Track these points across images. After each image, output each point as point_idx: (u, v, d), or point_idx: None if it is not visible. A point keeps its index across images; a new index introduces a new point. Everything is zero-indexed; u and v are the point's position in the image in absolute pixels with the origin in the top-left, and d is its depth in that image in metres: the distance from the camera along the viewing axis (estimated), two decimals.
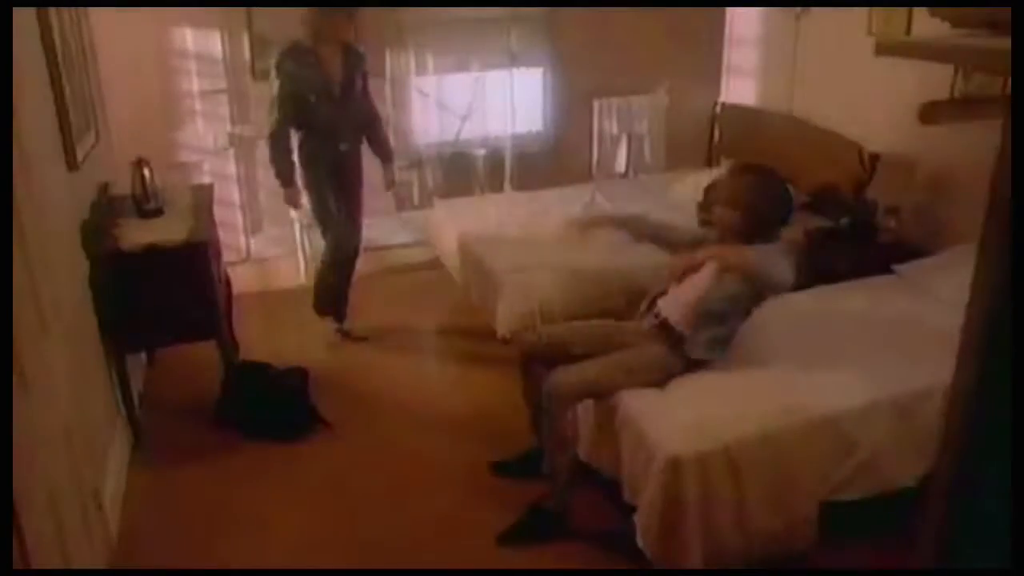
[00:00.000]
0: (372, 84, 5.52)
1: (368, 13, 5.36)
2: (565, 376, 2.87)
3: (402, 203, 5.87)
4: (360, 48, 4.26)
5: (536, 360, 3.15)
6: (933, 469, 1.21)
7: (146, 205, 3.63)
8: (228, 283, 4.19)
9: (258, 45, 5.26)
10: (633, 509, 2.73)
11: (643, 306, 3.18)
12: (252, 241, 5.66)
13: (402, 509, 3.14)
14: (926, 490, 1.20)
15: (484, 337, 4.24)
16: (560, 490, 2.92)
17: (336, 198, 4.19)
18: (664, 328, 3.02)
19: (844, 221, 4.31)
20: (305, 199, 4.24)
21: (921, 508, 1.20)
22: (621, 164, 6.06)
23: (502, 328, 4.00)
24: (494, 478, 3.25)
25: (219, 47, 5.22)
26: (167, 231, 3.43)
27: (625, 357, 2.94)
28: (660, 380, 2.91)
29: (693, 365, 2.97)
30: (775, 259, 2.84)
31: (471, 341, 4.44)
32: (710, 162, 5.96)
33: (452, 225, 4.85)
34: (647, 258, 4.23)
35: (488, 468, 3.30)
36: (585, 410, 3.02)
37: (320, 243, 5.52)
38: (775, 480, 2.67)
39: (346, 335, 4.48)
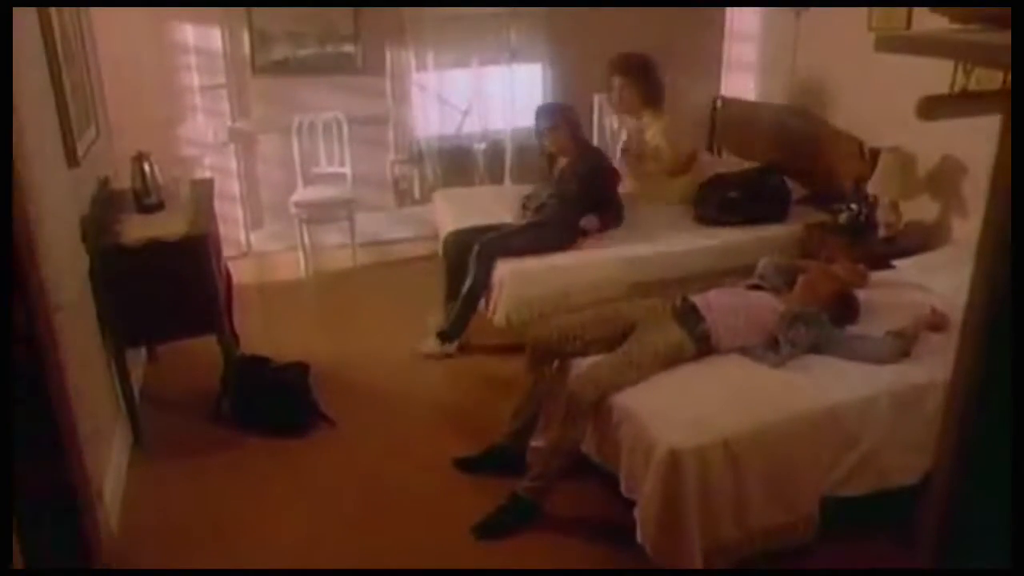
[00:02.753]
0: (373, 81, 5.58)
1: (368, 9, 5.36)
2: (581, 384, 2.89)
3: (403, 198, 5.87)
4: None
5: (548, 352, 3.17)
6: (933, 467, 1.21)
7: (146, 200, 3.63)
8: (229, 277, 4.19)
9: (258, 40, 5.26)
10: (631, 503, 2.73)
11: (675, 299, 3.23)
12: (253, 236, 5.66)
13: (405, 506, 3.14)
14: (927, 488, 1.21)
15: (487, 330, 4.25)
16: (546, 485, 2.94)
17: None
18: (692, 314, 3.06)
19: (843, 216, 4.31)
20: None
21: (922, 506, 1.20)
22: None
23: (499, 315, 4.02)
24: (498, 474, 3.23)
25: (219, 42, 5.22)
26: (167, 225, 3.43)
27: (635, 350, 2.95)
28: (671, 365, 2.93)
29: (706, 352, 2.99)
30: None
31: (474, 334, 4.43)
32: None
33: (454, 217, 4.85)
34: (646, 247, 4.28)
35: (452, 464, 3.31)
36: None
37: (319, 238, 5.55)
38: (775, 474, 2.67)
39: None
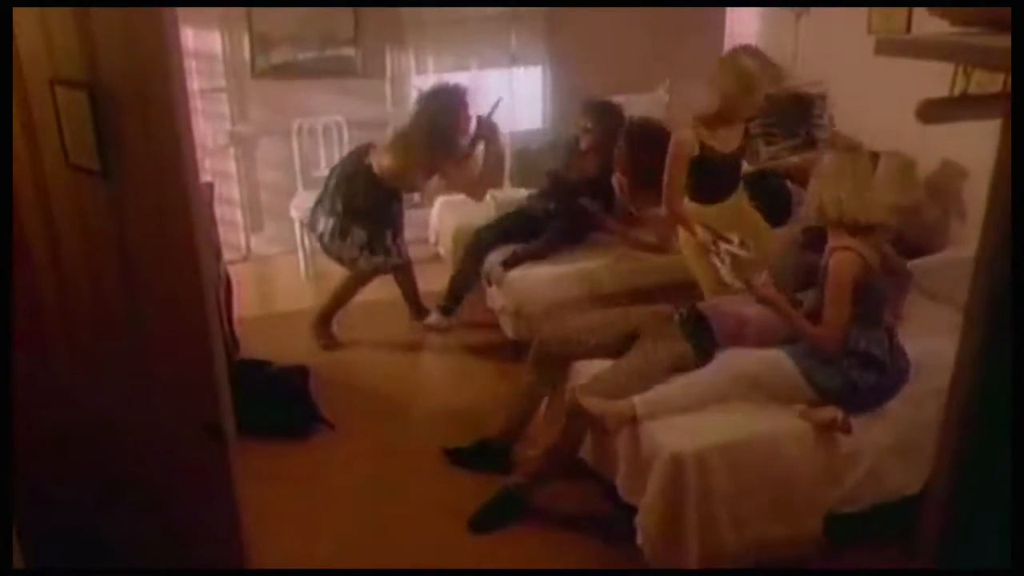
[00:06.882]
0: (373, 85, 5.59)
1: (369, 12, 5.37)
2: (583, 393, 2.87)
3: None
4: None
5: (553, 355, 3.15)
6: (932, 471, 1.20)
7: None
8: (228, 281, 4.19)
9: (258, 43, 5.26)
10: (629, 507, 2.73)
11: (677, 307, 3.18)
12: (253, 239, 5.65)
13: (405, 509, 3.14)
14: (926, 494, 1.20)
15: (485, 331, 4.25)
16: (538, 484, 2.98)
17: None
18: (700, 325, 3.01)
19: None
20: None
21: (921, 512, 1.19)
22: None
23: (509, 330, 4.04)
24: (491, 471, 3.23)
25: (219, 45, 5.22)
26: None
27: (640, 362, 2.92)
28: (674, 373, 2.92)
29: (711, 360, 2.97)
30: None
31: (472, 336, 4.44)
32: None
33: (453, 221, 4.85)
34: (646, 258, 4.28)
35: (443, 453, 3.34)
36: None
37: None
38: (776, 485, 2.66)
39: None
